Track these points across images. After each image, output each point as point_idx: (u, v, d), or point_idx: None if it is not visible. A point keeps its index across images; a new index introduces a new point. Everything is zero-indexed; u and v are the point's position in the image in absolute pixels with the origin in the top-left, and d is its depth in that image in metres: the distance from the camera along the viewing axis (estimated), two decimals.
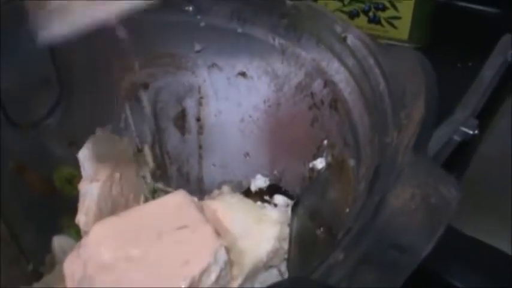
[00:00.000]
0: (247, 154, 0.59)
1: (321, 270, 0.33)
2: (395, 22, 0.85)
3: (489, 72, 0.73)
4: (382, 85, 0.42)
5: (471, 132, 0.67)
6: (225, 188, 0.60)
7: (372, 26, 0.86)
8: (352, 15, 0.86)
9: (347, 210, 0.42)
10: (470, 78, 0.76)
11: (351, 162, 0.46)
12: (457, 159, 0.67)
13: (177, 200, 0.52)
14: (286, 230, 0.52)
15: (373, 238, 0.33)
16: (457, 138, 0.67)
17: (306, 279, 0.31)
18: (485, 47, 0.80)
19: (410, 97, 0.39)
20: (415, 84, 0.39)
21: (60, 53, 0.54)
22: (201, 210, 0.53)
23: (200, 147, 0.60)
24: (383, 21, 0.85)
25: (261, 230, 0.52)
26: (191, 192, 0.59)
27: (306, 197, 0.49)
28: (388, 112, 0.41)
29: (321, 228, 0.47)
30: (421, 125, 0.34)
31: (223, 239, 0.50)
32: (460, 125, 0.67)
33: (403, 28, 0.85)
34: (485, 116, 0.70)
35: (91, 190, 0.53)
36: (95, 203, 0.53)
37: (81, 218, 0.53)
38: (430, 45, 0.86)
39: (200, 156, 0.60)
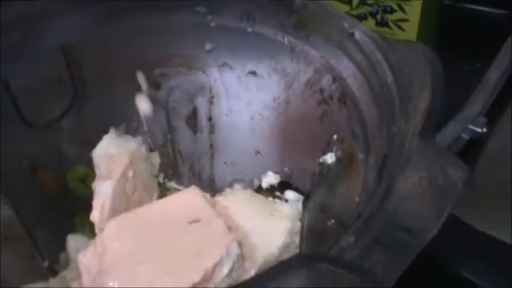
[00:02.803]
0: (258, 152, 0.60)
1: (332, 253, 0.34)
2: (403, 24, 0.86)
3: (497, 70, 0.74)
4: (389, 78, 0.44)
5: (479, 130, 0.68)
6: (237, 187, 0.61)
7: (380, 28, 0.87)
8: (360, 18, 0.87)
9: (357, 199, 0.43)
10: (478, 80, 0.77)
11: (360, 155, 0.47)
12: (465, 157, 0.68)
13: (189, 196, 0.53)
14: (298, 225, 0.53)
15: (382, 221, 0.34)
16: (465, 136, 0.68)
17: (318, 254, 0.32)
18: (493, 48, 0.81)
19: (417, 88, 0.40)
20: (421, 76, 0.40)
21: (71, 53, 0.56)
22: (213, 206, 0.54)
23: (211, 146, 0.61)
24: (391, 24, 0.87)
25: (273, 225, 0.53)
26: (203, 189, 0.61)
27: (317, 192, 0.51)
28: (395, 103, 0.42)
29: (332, 221, 0.48)
30: (427, 111, 0.36)
31: (235, 234, 0.51)
32: (469, 123, 0.68)
33: (411, 30, 0.86)
34: (493, 114, 0.71)
35: (105, 188, 0.55)
36: (110, 201, 0.55)
37: (95, 215, 0.54)
38: (437, 47, 0.87)
39: (212, 155, 0.62)
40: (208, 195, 0.55)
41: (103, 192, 0.55)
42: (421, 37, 0.86)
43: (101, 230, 0.53)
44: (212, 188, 0.63)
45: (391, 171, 0.37)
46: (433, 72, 0.39)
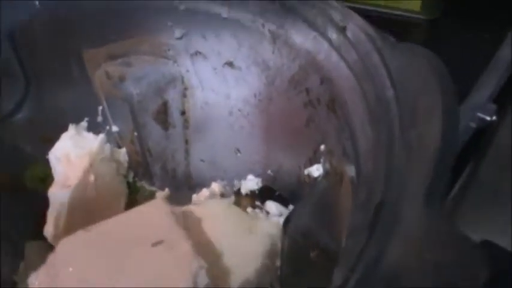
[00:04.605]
0: (237, 150, 0.49)
1: None
2: None
3: (507, 50, 0.62)
4: (389, 92, 0.33)
5: (489, 118, 0.57)
6: (215, 186, 0.51)
7: None
8: None
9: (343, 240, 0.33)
10: (488, 53, 0.66)
11: (351, 170, 0.36)
12: (473, 147, 0.57)
13: (154, 210, 0.43)
14: (279, 244, 0.43)
15: None
16: (473, 125, 0.57)
17: None
18: (504, 18, 0.69)
19: (423, 112, 0.29)
20: (429, 96, 0.29)
21: (20, 41, 0.45)
22: (183, 218, 0.44)
23: (186, 142, 0.50)
24: None
25: (250, 244, 0.43)
26: (179, 189, 0.52)
27: (298, 213, 0.40)
28: (395, 127, 0.31)
29: (315, 251, 0.38)
30: (436, 162, 0.25)
31: (206, 256, 0.41)
32: (477, 110, 0.57)
33: None
34: (503, 99, 0.59)
35: (61, 198, 0.45)
36: (65, 213, 0.45)
37: (49, 231, 0.45)
38: (442, 16, 0.75)
39: (187, 152, 0.51)
40: (178, 208, 0.44)
41: (58, 202, 0.45)
42: (425, 6, 0.74)
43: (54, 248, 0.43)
44: (189, 185, 0.52)
45: (384, 228, 0.26)
46: (444, 93, 0.28)
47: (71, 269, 0.41)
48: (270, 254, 0.43)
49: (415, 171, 0.27)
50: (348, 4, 0.76)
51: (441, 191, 0.24)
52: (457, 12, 0.75)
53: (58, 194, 0.45)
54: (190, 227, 0.44)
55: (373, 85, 0.34)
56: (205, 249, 0.43)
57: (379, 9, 0.76)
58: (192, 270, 0.39)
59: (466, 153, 0.56)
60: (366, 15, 0.76)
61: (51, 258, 0.43)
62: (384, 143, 0.31)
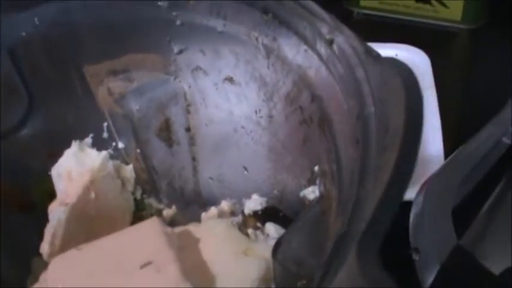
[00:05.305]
0: (245, 168, 0.47)
1: None
2: (446, 1, 0.69)
3: None
4: (370, 108, 0.29)
5: None
6: (225, 204, 0.48)
7: (420, 5, 0.71)
8: None
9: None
10: None
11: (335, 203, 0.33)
12: (506, 165, 0.52)
13: (148, 230, 0.41)
14: None
15: None
16: (506, 140, 0.52)
17: None
18: None
19: (392, 136, 0.26)
20: (396, 119, 0.26)
21: (22, 57, 0.44)
22: (180, 238, 0.42)
23: (194, 159, 0.48)
24: (433, 0, 0.70)
25: (244, 268, 0.40)
26: (188, 206, 0.49)
27: (289, 237, 0.37)
28: (371, 149, 0.28)
29: (303, 281, 0.35)
30: (381, 197, 0.21)
31: (198, 279, 0.39)
32: (510, 125, 0.52)
33: (456, 7, 0.70)
34: None
35: (59, 215, 0.43)
36: (62, 230, 0.43)
37: (44, 248, 0.43)
38: (485, 26, 0.70)
39: (195, 169, 0.49)
40: (170, 229, 0.42)
41: (55, 220, 0.43)
42: (467, 15, 0.70)
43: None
44: (199, 202, 0.50)
45: (335, 264, 0.23)
46: (409, 118, 0.24)
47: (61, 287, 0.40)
48: (266, 279, 0.40)
49: (375, 202, 0.23)
50: (385, 14, 0.73)
51: (380, 230, 0.21)
52: (500, 20, 0.69)
53: (56, 211, 0.44)
54: (186, 248, 0.42)
55: (356, 102, 0.31)
56: (198, 271, 0.41)
57: (416, 19, 0.71)
58: None
59: (499, 171, 0.52)
60: (403, 25, 0.72)
61: (43, 276, 0.42)
62: (359, 165, 0.28)
